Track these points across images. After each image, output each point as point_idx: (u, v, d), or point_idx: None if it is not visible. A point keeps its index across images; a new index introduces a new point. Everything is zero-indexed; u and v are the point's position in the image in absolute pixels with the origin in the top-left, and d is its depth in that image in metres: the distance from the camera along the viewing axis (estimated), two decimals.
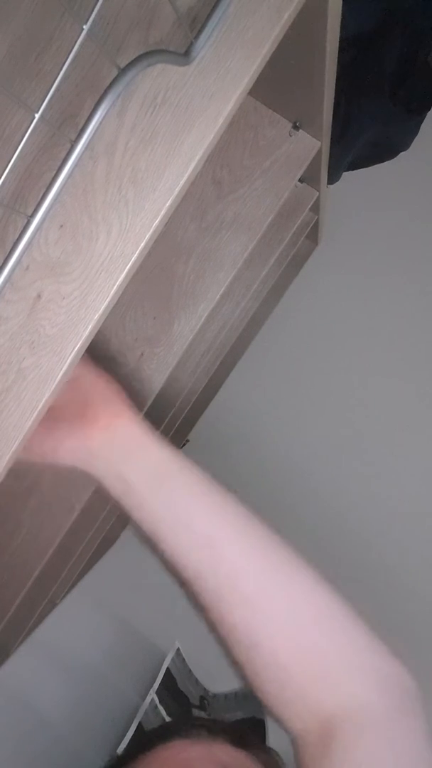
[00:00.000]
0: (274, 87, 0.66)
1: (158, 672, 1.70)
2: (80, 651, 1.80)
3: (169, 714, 1.61)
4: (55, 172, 0.37)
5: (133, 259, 0.40)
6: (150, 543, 0.51)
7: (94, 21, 0.33)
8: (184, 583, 0.50)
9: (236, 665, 0.49)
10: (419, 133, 1.22)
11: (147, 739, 0.57)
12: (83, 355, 0.53)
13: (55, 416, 0.51)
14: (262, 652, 0.48)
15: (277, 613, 0.49)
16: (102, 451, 0.52)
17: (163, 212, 0.40)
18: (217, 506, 0.52)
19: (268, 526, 0.52)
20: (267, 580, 0.49)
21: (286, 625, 0.48)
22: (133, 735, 1.47)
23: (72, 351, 0.40)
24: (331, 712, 0.47)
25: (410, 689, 0.48)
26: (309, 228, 1.19)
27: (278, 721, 0.49)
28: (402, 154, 1.28)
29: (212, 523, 0.51)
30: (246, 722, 1.57)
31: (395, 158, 1.30)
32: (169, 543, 0.50)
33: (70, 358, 0.41)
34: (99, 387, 0.55)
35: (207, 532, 0.50)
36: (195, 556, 0.49)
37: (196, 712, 1.71)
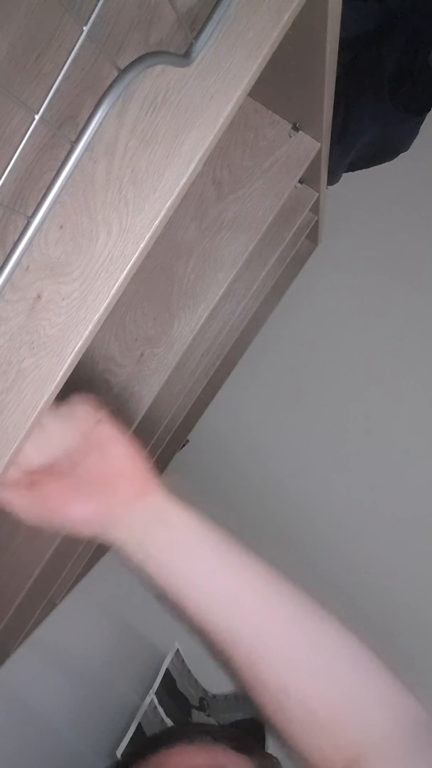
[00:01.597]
0: (274, 88, 0.66)
1: (158, 673, 1.70)
2: (80, 651, 1.80)
3: (168, 715, 1.61)
4: (55, 172, 0.37)
5: (133, 259, 0.40)
6: (176, 611, 0.51)
7: (94, 22, 0.33)
8: (212, 647, 0.51)
9: (264, 712, 0.51)
10: (419, 134, 1.22)
11: (150, 743, 0.57)
12: (118, 420, 0.53)
13: (80, 478, 0.51)
14: (292, 700, 0.50)
15: (307, 662, 0.51)
16: (125, 523, 0.51)
17: (163, 213, 0.40)
18: (242, 569, 0.52)
19: (285, 576, 0.53)
20: (296, 633, 0.51)
21: (315, 672, 0.51)
22: (133, 736, 1.47)
23: (72, 351, 0.41)
24: (354, 746, 0.49)
25: (425, 721, 0.51)
26: (309, 228, 1.19)
27: (295, 752, 0.51)
28: (402, 154, 1.28)
29: (239, 585, 0.51)
30: (246, 723, 1.57)
31: (395, 159, 1.30)
32: (196, 608, 0.50)
33: (70, 358, 0.41)
34: (128, 456, 0.53)
35: (234, 595, 0.51)
36: (226, 621, 0.50)
37: (195, 713, 1.71)
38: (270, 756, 0.63)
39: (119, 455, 0.53)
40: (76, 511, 0.51)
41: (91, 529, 0.51)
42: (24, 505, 0.50)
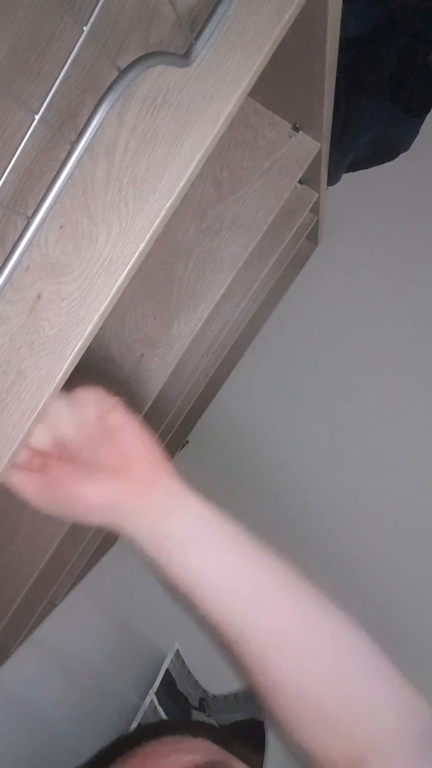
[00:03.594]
0: (275, 88, 0.66)
1: (158, 673, 1.70)
2: (80, 651, 1.80)
3: (168, 715, 1.61)
4: (55, 173, 0.37)
5: (133, 259, 0.40)
6: (187, 604, 0.50)
7: (94, 22, 0.33)
8: (225, 645, 0.50)
9: (274, 713, 0.50)
10: (419, 134, 1.22)
11: (124, 741, 0.56)
12: (130, 408, 0.52)
13: (91, 464, 0.50)
14: (303, 698, 0.49)
15: (320, 661, 0.50)
16: (138, 509, 0.50)
17: (163, 213, 0.40)
18: (257, 564, 0.51)
19: (302, 573, 0.52)
20: (309, 631, 0.50)
21: (328, 671, 0.50)
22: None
23: (72, 351, 0.40)
24: (360, 746, 0.49)
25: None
26: (309, 229, 1.19)
27: (299, 750, 0.50)
28: (402, 155, 1.28)
29: (255, 582, 0.50)
30: (246, 724, 1.57)
31: (395, 159, 1.30)
32: (211, 604, 0.49)
33: (70, 358, 0.41)
34: (138, 440, 0.52)
35: (250, 592, 0.50)
36: (239, 617, 0.49)
37: (195, 713, 1.71)
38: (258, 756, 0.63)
39: (131, 442, 0.52)
40: (86, 497, 0.49)
41: (101, 516, 0.50)
42: (33, 488, 0.49)
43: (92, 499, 0.50)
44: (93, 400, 0.51)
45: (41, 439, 0.50)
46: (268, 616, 0.50)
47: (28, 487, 0.49)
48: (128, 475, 0.51)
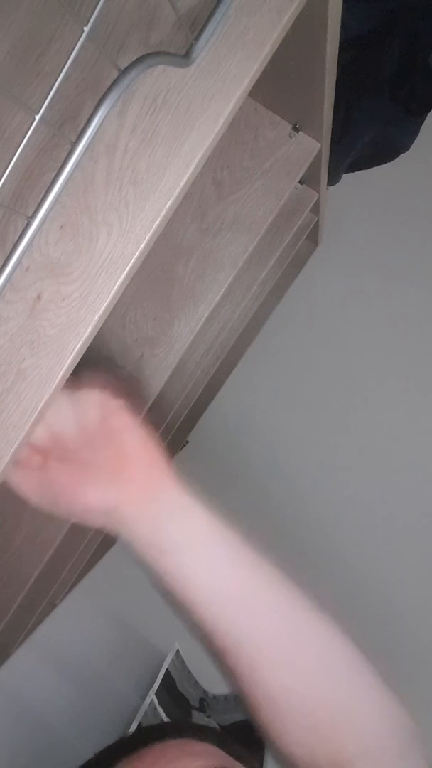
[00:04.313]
0: (275, 88, 0.66)
1: (158, 673, 1.70)
2: (80, 652, 1.80)
3: (168, 715, 1.61)
4: (55, 173, 0.37)
5: (133, 259, 0.40)
6: (181, 610, 0.50)
7: (94, 22, 0.33)
8: (217, 652, 0.50)
9: (261, 720, 0.51)
10: (419, 134, 1.22)
11: (129, 742, 0.56)
12: (132, 407, 0.52)
13: (92, 466, 0.50)
14: (291, 704, 0.50)
15: (308, 668, 0.51)
16: (137, 512, 0.50)
17: (163, 213, 0.40)
18: (253, 572, 0.51)
19: (291, 580, 0.52)
20: (299, 639, 0.51)
21: (316, 678, 0.51)
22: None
23: (72, 351, 0.40)
24: (345, 752, 0.49)
25: (412, 729, 0.52)
26: (309, 229, 1.19)
27: (285, 755, 0.51)
28: (402, 155, 1.28)
29: (251, 590, 0.51)
30: (246, 724, 1.57)
31: (395, 159, 1.30)
32: (206, 611, 0.49)
33: (70, 358, 0.41)
34: (141, 446, 0.52)
35: (246, 599, 0.50)
36: (234, 626, 0.49)
37: (195, 713, 1.71)
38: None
39: (133, 445, 0.52)
40: (85, 499, 0.49)
41: (99, 518, 0.50)
42: (33, 487, 0.49)
43: (91, 501, 0.49)
44: (96, 400, 0.51)
45: (42, 436, 0.49)
46: (260, 624, 0.50)
47: (27, 484, 0.49)
48: (128, 478, 0.50)
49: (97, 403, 0.51)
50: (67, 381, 0.42)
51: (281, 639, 0.50)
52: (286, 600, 0.52)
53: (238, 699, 0.53)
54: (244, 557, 0.51)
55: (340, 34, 0.52)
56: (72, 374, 0.42)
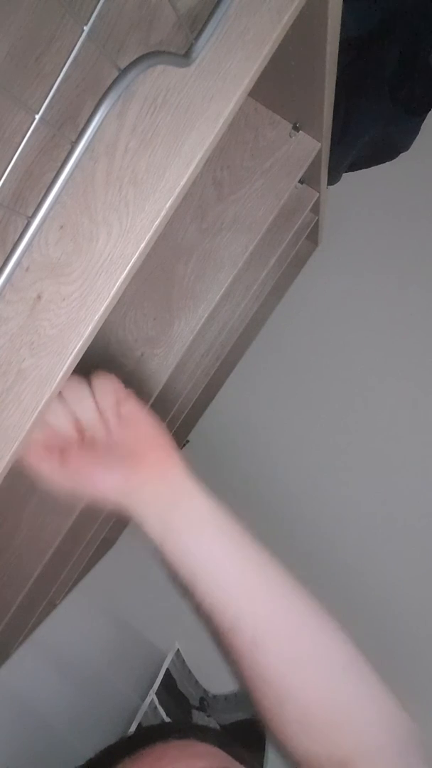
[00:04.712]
0: (275, 88, 0.66)
1: (158, 673, 1.70)
2: (80, 652, 1.80)
3: (168, 715, 1.61)
4: (55, 173, 0.37)
5: (133, 260, 0.40)
6: (186, 590, 0.52)
7: (94, 22, 0.33)
8: (218, 633, 0.51)
9: (261, 710, 0.51)
10: (419, 134, 1.22)
11: (130, 741, 0.56)
12: (140, 397, 0.54)
13: (107, 449, 0.52)
14: (291, 698, 0.50)
15: (309, 663, 0.51)
16: (149, 494, 0.52)
17: (163, 213, 0.40)
18: (256, 559, 0.53)
19: (294, 576, 0.53)
20: (300, 632, 0.52)
21: (316, 674, 0.51)
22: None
23: (72, 351, 0.41)
24: (345, 751, 0.50)
25: (413, 731, 0.52)
26: (309, 229, 1.19)
27: (286, 751, 0.51)
28: (402, 155, 1.28)
29: (251, 573, 0.52)
30: (246, 724, 1.57)
31: (395, 159, 1.30)
32: (209, 592, 0.51)
33: (70, 358, 0.41)
34: (150, 429, 0.55)
35: (247, 583, 0.51)
36: (234, 606, 0.50)
37: (195, 713, 1.71)
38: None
39: (145, 430, 0.54)
40: (102, 482, 0.51)
41: (114, 500, 0.52)
42: (51, 471, 0.51)
43: (108, 483, 0.51)
44: (109, 387, 0.53)
45: (60, 420, 0.51)
46: (260, 609, 0.51)
47: (44, 466, 0.51)
48: (143, 461, 0.53)
49: (111, 390, 0.53)
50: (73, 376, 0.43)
51: (280, 629, 0.51)
52: (287, 591, 0.53)
53: (238, 698, 0.53)
54: (246, 545, 0.53)
55: (340, 34, 0.52)
56: (73, 374, 0.43)
